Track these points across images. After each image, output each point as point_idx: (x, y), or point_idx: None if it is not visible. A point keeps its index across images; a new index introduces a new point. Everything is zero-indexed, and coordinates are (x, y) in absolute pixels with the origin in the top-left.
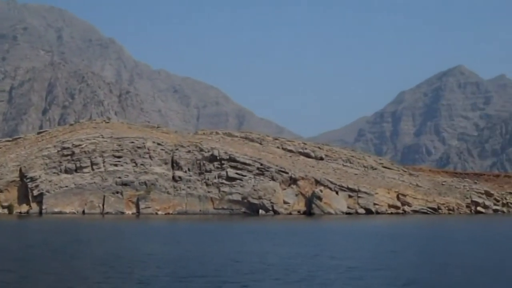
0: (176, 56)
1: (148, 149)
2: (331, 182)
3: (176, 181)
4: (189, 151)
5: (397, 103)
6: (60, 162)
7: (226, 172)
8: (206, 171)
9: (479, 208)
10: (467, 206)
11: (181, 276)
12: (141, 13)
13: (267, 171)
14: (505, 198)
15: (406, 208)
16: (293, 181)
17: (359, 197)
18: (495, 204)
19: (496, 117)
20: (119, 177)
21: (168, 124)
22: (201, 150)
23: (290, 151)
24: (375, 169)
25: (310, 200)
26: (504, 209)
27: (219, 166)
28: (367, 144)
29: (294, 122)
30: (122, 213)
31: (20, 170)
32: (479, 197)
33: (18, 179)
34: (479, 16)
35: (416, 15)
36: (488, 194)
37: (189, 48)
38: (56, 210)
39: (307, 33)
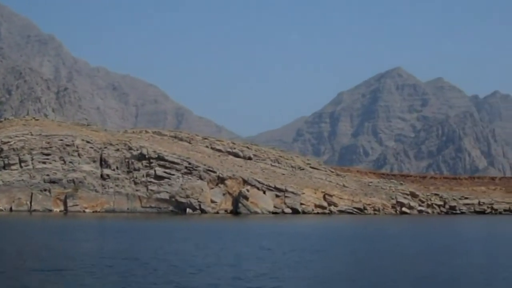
0: (116, 54)
1: (77, 147)
2: (259, 182)
3: (104, 179)
4: (118, 150)
5: (336, 103)
6: None
7: (154, 170)
8: (135, 169)
9: (404, 209)
10: (393, 207)
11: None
12: (80, 9)
13: (195, 170)
14: (430, 199)
15: (333, 208)
16: (221, 180)
17: (286, 196)
18: (420, 205)
19: (432, 119)
20: (47, 175)
21: (106, 121)
22: (130, 148)
23: (219, 150)
24: (303, 169)
25: (237, 200)
26: (429, 210)
27: (147, 164)
28: (305, 144)
29: (233, 122)
30: (50, 210)
31: None
32: (405, 198)
33: None
34: (418, 19)
35: (355, 16)
36: (413, 195)
37: (128, 46)
38: None
39: (246, 32)
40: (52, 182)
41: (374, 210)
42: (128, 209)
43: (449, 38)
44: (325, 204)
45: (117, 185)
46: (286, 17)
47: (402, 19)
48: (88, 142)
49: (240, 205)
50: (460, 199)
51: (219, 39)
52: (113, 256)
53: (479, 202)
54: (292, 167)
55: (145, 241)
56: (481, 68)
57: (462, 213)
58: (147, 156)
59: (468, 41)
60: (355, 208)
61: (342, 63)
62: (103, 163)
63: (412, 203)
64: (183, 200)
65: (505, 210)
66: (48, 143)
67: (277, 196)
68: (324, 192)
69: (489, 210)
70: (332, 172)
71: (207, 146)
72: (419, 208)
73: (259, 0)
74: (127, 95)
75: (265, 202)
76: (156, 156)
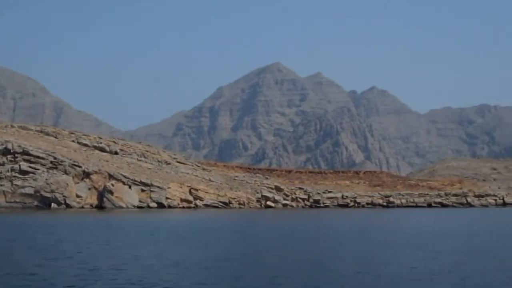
0: None
1: None
2: (124, 176)
3: None
4: None
5: (216, 98)
6: None
7: (19, 165)
8: None
9: (268, 203)
10: (258, 201)
11: None
12: None
13: (61, 165)
14: (295, 193)
15: (198, 202)
16: (86, 175)
17: (151, 191)
18: (284, 199)
19: (311, 113)
20: None
21: None
22: None
23: (85, 145)
24: (169, 164)
25: (102, 194)
26: (294, 204)
27: (12, 159)
28: (185, 138)
29: (114, 115)
30: None
31: None
32: (269, 192)
33: None
34: (296, 13)
35: (235, 10)
36: (278, 189)
37: (6, 38)
38: None
39: (126, 25)
40: None
41: (239, 204)
42: None
43: (327, 34)
44: (190, 198)
45: None
46: (166, 12)
47: (281, 14)
48: None
49: (105, 199)
50: (324, 193)
51: (99, 33)
52: None
53: (342, 196)
54: (158, 161)
55: None
56: (358, 63)
57: (326, 206)
58: (12, 151)
59: (346, 36)
60: (220, 202)
61: (221, 57)
62: None
63: (277, 197)
64: (48, 195)
65: (367, 204)
66: None
67: (142, 190)
68: (190, 186)
69: (352, 204)
70: (198, 166)
71: (73, 141)
72: (284, 202)
73: None
74: (4, 88)
75: (130, 196)
76: (21, 150)
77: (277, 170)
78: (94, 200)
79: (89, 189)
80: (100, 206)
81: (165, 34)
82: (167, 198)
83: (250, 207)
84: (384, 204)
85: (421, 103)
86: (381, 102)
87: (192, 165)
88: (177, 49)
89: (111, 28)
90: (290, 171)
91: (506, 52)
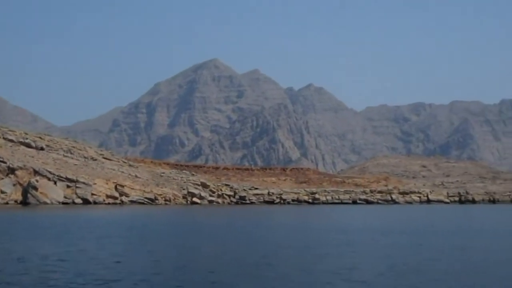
0: None
1: None
2: (50, 172)
3: None
4: None
5: (153, 94)
6: None
7: None
8: None
9: (194, 199)
10: (184, 197)
11: None
12: None
13: None
14: (221, 190)
15: (124, 198)
16: (11, 170)
17: (77, 187)
18: (210, 195)
19: (248, 110)
20: None
21: None
22: None
23: (11, 140)
24: (96, 160)
25: (26, 190)
26: (220, 200)
27: None
28: (121, 134)
29: (50, 111)
30: None
31: None
32: (195, 188)
33: None
34: (234, 9)
35: (173, 6)
36: (204, 186)
37: None
38: None
39: (61, 22)
40: None
41: (165, 200)
42: None
43: (264, 31)
44: (116, 194)
45: None
46: (105, 7)
47: (219, 10)
48: None
49: (29, 195)
50: (250, 189)
51: (35, 28)
52: None
53: (268, 193)
54: (84, 157)
55: None
56: (296, 61)
57: (252, 203)
58: None
59: (283, 33)
60: (146, 198)
61: (159, 53)
62: None
63: (203, 193)
64: None
65: (293, 200)
66: None
67: (68, 186)
68: (115, 182)
69: (278, 200)
70: (125, 162)
71: None
72: (210, 198)
73: None
74: None
75: (55, 192)
76: None
77: (204, 166)
78: (18, 196)
79: (14, 185)
80: (24, 202)
81: (102, 29)
82: (92, 194)
83: (176, 203)
84: (310, 200)
85: (357, 101)
86: (318, 99)
87: (119, 161)
88: (114, 44)
89: (47, 23)
90: (217, 168)
91: (441, 50)
